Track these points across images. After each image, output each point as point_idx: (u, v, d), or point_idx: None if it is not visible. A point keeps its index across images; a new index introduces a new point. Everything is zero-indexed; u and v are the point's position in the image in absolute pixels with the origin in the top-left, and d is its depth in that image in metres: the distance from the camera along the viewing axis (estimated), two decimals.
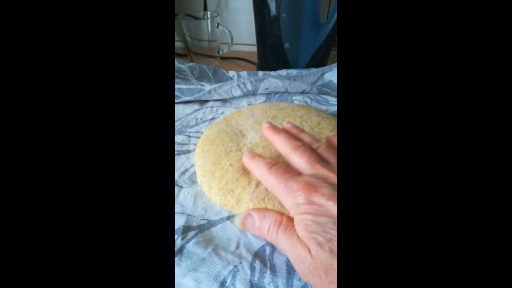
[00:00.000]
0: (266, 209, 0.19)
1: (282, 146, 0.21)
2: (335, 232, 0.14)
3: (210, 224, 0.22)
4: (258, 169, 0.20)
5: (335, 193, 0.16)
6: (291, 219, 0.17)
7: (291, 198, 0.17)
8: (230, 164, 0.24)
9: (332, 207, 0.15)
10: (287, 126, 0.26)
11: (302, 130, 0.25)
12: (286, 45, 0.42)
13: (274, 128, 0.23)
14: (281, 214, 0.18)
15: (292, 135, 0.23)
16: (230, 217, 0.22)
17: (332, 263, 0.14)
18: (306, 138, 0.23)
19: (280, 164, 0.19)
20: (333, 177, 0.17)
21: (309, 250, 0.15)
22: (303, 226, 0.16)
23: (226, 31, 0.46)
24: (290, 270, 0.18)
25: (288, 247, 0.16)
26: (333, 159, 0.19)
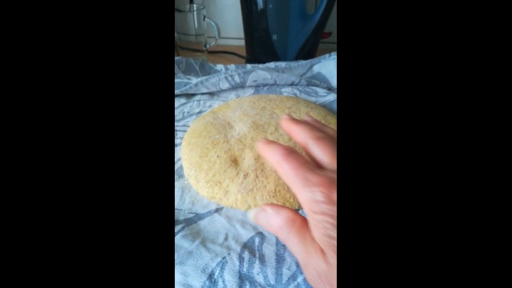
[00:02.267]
0: (281, 206, 0.17)
1: (302, 135, 0.19)
2: None
3: (198, 217, 0.21)
4: (274, 155, 0.17)
5: None
6: (305, 219, 0.15)
7: (308, 192, 0.15)
8: (217, 156, 0.24)
9: None
10: (307, 118, 0.23)
11: (324, 124, 0.22)
12: (274, 37, 0.42)
13: (293, 119, 0.21)
14: (296, 213, 0.16)
15: (314, 126, 0.20)
16: (218, 210, 0.22)
17: None
18: (329, 131, 0.20)
19: (299, 153, 0.17)
20: None
21: (323, 256, 0.13)
22: (321, 229, 0.14)
23: (212, 23, 0.45)
24: (279, 259, 0.18)
25: (299, 249, 0.15)
26: None
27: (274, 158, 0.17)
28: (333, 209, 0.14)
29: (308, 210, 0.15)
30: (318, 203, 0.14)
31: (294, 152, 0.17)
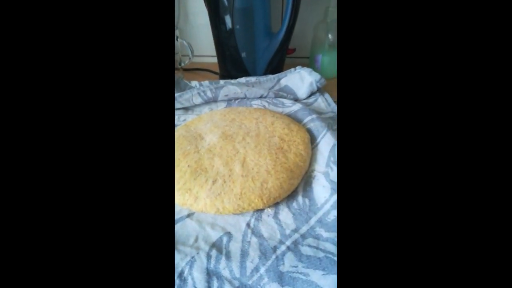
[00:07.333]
0: None
1: None
2: None
3: None
4: None
5: None
6: None
7: None
8: (188, 166, 0.26)
9: None
10: None
11: None
12: (243, 54, 0.45)
13: None
14: None
15: None
16: (189, 215, 0.23)
17: None
18: None
19: None
20: None
21: None
22: None
23: (185, 43, 0.48)
24: (244, 254, 0.19)
25: None
26: None
27: None
28: None
29: None
30: None
31: None
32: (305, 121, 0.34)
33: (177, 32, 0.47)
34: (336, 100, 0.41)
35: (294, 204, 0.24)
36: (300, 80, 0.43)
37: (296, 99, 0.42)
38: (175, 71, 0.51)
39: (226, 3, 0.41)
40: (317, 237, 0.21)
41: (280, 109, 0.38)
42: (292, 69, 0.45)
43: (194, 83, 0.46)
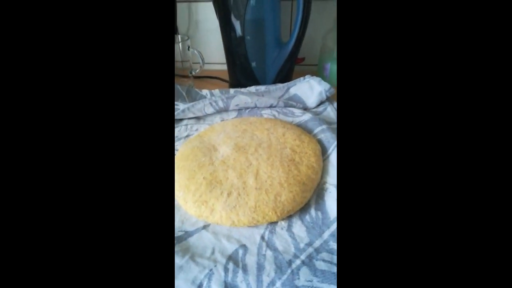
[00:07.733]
0: None
1: None
2: None
3: (187, 235, 0.23)
4: None
5: None
6: None
7: None
8: (203, 178, 0.26)
9: None
10: None
11: None
12: (253, 64, 0.46)
13: None
14: None
15: None
16: (205, 227, 0.24)
17: None
18: None
19: None
20: None
21: None
22: None
23: (197, 53, 0.49)
24: (260, 268, 0.20)
25: None
26: None
27: None
28: None
29: None
30: None
31: None
32: (315, 131, 0.35)
33: (188, 42, 0.48)
34: None
35: (307, 217, 0.24)
36: (310, 89, 0.44)
37: (305, 108, 0.42)
38: (186, 79, 0.52)
39: (237, 13, 0.42)
40: (331, 252, 0.21)
41: (290, 119, 0.39)
42: (301, 78, 0.46)
43: (205, 91, 0.47)
